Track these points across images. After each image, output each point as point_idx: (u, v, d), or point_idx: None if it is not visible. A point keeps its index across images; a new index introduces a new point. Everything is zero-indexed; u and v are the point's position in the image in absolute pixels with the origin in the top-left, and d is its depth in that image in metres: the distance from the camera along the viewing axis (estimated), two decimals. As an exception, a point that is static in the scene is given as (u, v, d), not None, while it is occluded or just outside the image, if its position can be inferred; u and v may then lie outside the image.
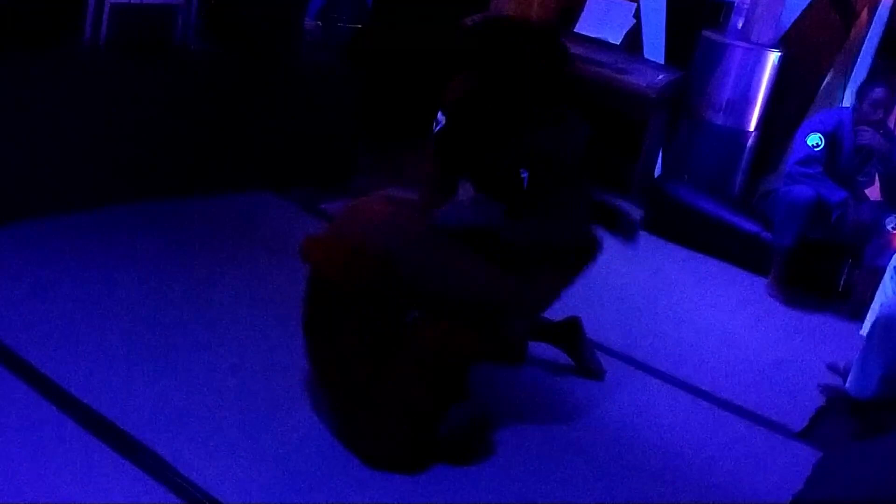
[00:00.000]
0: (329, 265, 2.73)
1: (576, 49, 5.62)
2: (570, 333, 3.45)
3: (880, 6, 5.26)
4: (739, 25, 5.40)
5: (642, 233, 5.24)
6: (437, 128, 2.98)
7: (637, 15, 5.85)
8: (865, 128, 4.60)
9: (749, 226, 4.98)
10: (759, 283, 4.80)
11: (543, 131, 2.83)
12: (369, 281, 2.65)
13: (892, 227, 4.48)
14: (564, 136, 2.86)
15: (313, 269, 2.79)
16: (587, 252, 3.07)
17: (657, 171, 5.77)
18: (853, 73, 5.37)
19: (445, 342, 2.68)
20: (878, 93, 4.57)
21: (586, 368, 3.49)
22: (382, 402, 2.70)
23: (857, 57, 5.35)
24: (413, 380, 2.69)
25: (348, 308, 2.70)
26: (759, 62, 5.27)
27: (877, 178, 4.84)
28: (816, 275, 4.83)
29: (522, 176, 2.83)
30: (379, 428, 2.71)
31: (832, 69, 5.39)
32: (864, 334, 3.90)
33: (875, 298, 4.18)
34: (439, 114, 2.98)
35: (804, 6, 5.37)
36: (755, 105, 5.34)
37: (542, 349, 3.47)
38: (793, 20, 5.39)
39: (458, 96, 2.93)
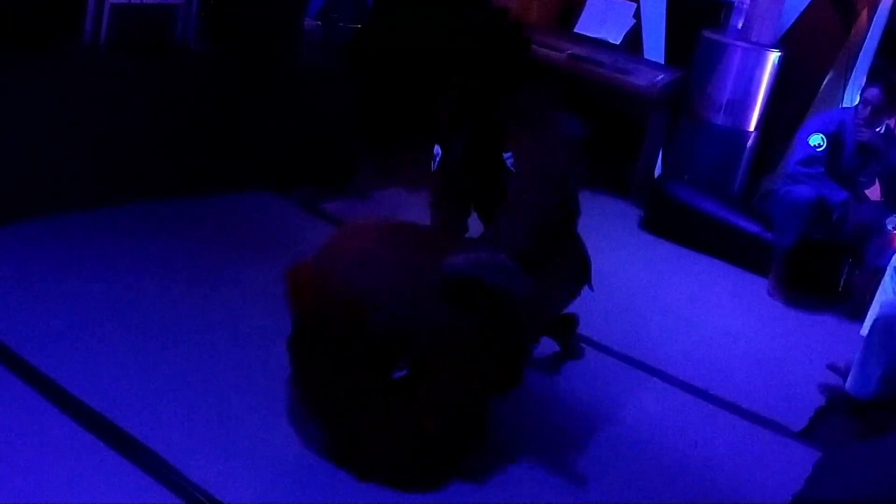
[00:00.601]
0: (310, 310, 2.65)
1: (576, 49, 5.65)
2: (567, 328, 3.48)
3: (880, 6, 5.26)
4: (739, 25, 5.40)
5: (642, 233, 5.28)
6: (436, 161, 2.97)
7: (637, 15, 5.85)
8: (865, 126, 4.61)
9: (749, 226, 4.98)
10: (759, 283, 4.80)
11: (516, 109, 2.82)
12: (350, 333, 2.56)
13: (893, 228, 4.48)
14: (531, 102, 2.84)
15: (295, 308, 2.72)
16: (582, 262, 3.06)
17: (657, 171, 5.77)
18: (853, 73, 5.37)
19: (453, 392, 2.60)
20: (870, 92, 4.59)
21: (569, 354, 3.52)
22: (386, 429, 2.63)
23: (857, 57, 5.35)
24: (423, 418, 2.62)
25: (335, 348, 2.63)
26: (759, 62, 5.26)
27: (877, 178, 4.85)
28: (816, 275, 4.82)
29: (507, 161, 2.82)
30: (382, 446, 2.65)
31: (832, 69, 5.39)
32: (864, 334, 3.89)
33: (875, 298, 4.18)
34: (436, 148, 2.98)
35: (804, 6, 5.37)
36: (755, 105, 5.34)
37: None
38: (793, 20, 5.39)
39: (445, 121, 2.93)
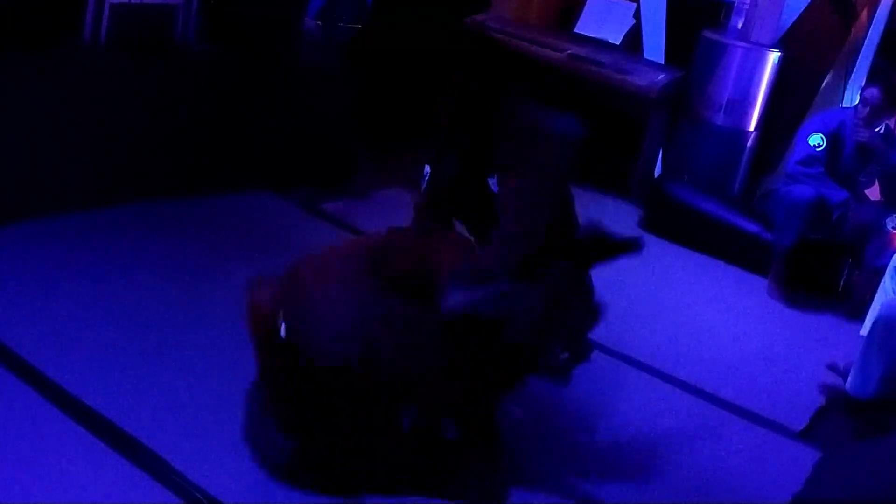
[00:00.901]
0: (271, 357, 2.53)
1: (576, 49, 5.65)
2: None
3: (880, 6, 5.26)
4: (739, 25, 5.40)
5: (642, 233, 5.27)
6: (425, 180, 2.92)
7: (637, 15, 5.84)
8: (864, 126, 4.61)
9: (749, 226, 4.98)
10: (759, 283, 4.80)
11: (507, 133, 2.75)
12: (322, 387, 2.45)
13: (893, 227, 4.48)
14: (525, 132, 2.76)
15: (255, 343, 2.60)
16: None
17: (657, 171, 5.77)
18: (853, 73, 5.37)
19: (454, 394, 2.53)
20: (870, 92, 4.58)
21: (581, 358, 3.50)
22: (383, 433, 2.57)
23: (857, 57, 5.35)
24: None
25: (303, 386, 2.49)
26: (759, 62, 5.26)
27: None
28: (816, 275, 4.82)
29: (492, 186, 2.78)
30: (378, 451, 2.59)
31: (832, 69, 5.39)
32: (864, 334, 3.89)
33: (875, 298, 4.18)
34: (425, 168, 2.93)
35: (804, 6, 5.37)
36: (755, 105, 5.33)
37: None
38: (793, 20, 5.38)
39: (446, 123, 2.89)
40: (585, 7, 6.01)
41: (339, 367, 2.40)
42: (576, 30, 5.99)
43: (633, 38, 5.85)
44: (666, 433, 3.27)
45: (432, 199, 2.96)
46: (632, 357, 3.74)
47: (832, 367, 3.91)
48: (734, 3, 5.48)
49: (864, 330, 4.10)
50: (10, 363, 2.82)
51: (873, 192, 4.92)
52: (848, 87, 5.39)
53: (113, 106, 3.96)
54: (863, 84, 4.90)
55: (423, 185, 2.96)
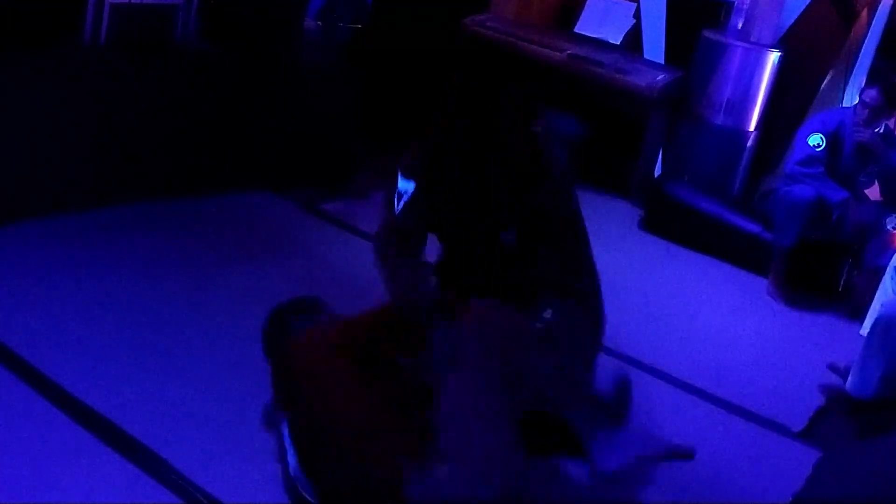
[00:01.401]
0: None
1: (576, 49, 5.65)
2: None
3: (880, 6, 5.26)
4: (739, 25, 5.40)
5: (642, 233, 5.28)
6: (404, 200, 2.58)
7: (637, 15, 5.85)
8: (863, 127, 4.61)
9: (749, 226, 4.97)
10: (759, 283, 4.80)
11: (525, 185, 2.63)
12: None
13: (893, 227, 4.48)
14: (549, 186, 2.65)
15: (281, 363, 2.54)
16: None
17: (657, 171, 5.77)
18: (853, 73, 5.37)
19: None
20: (869, 94, 4.58)
21: None
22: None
23: (857, 57, 5.35)
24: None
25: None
26: (759, 62, 5.26)
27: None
28: (816, 275, 4.82)
29: (509, 237, 2.64)
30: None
31: (832, 69, 5.39)
32: (864, 334, 3.89)
33: (875, 298, 4.18)
34: (401, 183, 2.57)
35: (804, 6, 5.36)
36: (755, 105, 5.33)
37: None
38: (793, 20, 5.38)
39: (445, 125, 2.72)
40: (585, 7, 6.02)
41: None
42: (576, 30, 5.99)
43: (633, 38, 5.85)
44: (665, 433, 3.26)
45: (411, 222, 2.61)
46: (631, 357, 3.73)
47: (832, 367, 3.90)
48: (734, 3, 5.48)
49: (864, 330, 4.10)
50: (10, 363, 2.82)
51: (873, 192, 4.92)
52: (848, 87, 5.39)
53: (113, 106, 3.97)
54: (863, 84, 4.90)
55: (399, 207, 2.56)
